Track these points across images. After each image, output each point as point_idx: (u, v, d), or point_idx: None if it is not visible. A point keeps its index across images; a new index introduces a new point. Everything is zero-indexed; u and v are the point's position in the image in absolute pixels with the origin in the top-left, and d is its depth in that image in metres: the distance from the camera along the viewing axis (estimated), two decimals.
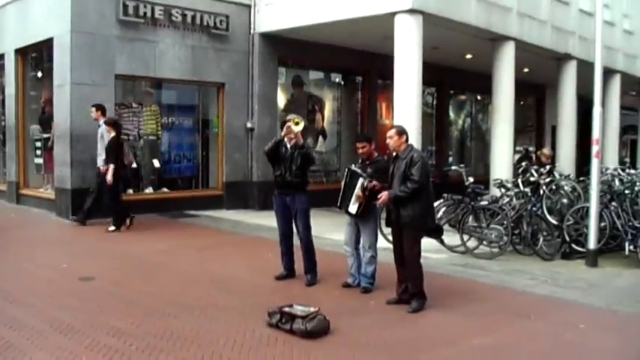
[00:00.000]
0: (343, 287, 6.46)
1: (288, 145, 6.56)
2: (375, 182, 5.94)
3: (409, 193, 5.59)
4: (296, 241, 6.81)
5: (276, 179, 6.69)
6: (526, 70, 15.36)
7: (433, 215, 6.13)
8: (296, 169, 6.53)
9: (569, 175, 10.45)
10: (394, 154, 5.90)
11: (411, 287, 5.77)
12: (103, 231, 9.52)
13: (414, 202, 5.64)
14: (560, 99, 14.74)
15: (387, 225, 6.05)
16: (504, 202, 9.22)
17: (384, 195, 5.74)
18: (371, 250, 6.38)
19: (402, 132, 5.85)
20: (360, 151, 6.32)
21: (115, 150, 9.61)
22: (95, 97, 10.49)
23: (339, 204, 6.37)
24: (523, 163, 10.41)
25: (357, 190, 6.10)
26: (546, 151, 11.42)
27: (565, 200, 9.57)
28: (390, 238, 8.45)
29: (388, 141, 5.85)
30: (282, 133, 6.57)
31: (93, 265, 7.34)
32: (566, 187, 9.79)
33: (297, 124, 6.44)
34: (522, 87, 14.77)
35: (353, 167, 6.36)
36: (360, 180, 6.10)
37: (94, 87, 10.59)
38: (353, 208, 6.18)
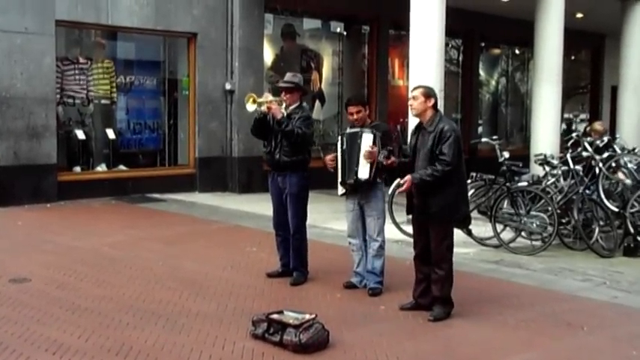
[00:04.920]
0: (345, 288, 6.47)
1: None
2: (393, 158, 5.93)
3: (439, 177, 5.56)
4: None
5: (265, 157, 6.75)
6: (579, 15, 15.21)
7: (467, 201, 6.17)
8: (287, 146, 6.51)
9: (634, 149, 10.38)
10: (417, 123, 5.89)
11: (437, 290, 5.76)
12: (40, 217, 9.45)
13: (445, 186, 5.62)
14: (624, 52, 14.52)
15: (408, 213, 6.04)
16: (549, 183, 9.22)
17: (406, 181, 5.67)
18: (379, 238, 6.35)
19: (429, 94, 5.83)
20: (355, 117, 6.31)
21: None
22: (30, 48, 10.40)
23: (340, 179, 6.32)
24: (573, 134, 10.36)
25: (365, 146, 6.05)
26: (598, 125, 10.92)
27: (628, 181, 9.54)
28: (404, 228, 8.63)
29: (411, 102, 5.87)
30: (263, 107, 6.53)
31: (28, 262, 7.31)
32: (629, 165, 9.75)
33: (249, 101, 6.46)
34: (574, 37, 14.65)
35: (348, 130, 6.34)
36: (366, 135, 6.06)
37: (28, 36, 10.51)
38: (364, 171, 6.11)
